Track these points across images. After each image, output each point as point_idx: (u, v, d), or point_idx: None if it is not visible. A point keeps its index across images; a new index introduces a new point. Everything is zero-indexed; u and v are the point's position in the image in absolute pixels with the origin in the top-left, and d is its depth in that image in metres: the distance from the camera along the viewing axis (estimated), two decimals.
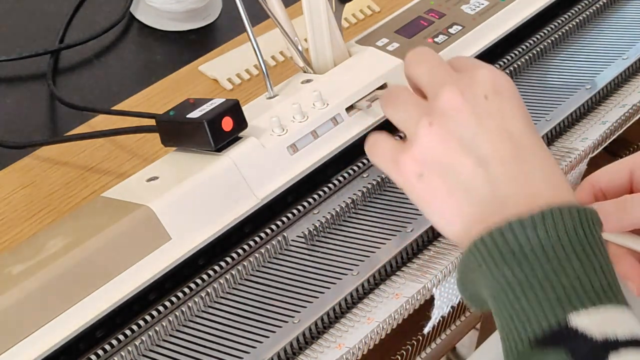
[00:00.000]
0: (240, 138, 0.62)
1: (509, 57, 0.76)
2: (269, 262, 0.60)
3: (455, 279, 0.52)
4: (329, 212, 0.62)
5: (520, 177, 0.51)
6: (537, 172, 0.51)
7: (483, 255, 0.49)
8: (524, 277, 0.47)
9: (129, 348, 0.55)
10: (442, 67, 0.56)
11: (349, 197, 0.64)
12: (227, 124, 0.61)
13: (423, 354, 0.65)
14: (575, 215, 0.48)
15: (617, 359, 0.45)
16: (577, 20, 0.79)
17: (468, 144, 0.52)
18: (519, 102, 0.54)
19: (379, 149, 0.57)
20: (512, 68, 0.75)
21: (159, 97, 0.81)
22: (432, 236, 0.61)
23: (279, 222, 0.62)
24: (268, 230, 0.62)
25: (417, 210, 0.62)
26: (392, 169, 0.55)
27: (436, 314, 0.58)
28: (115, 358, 0.55)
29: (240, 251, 0.60)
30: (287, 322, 0.55)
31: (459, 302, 0.60)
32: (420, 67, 0.57)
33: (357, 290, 0.57)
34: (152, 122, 0.66)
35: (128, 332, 0.55)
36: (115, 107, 0.79)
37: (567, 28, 0.79)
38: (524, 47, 0.77)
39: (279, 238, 0.61)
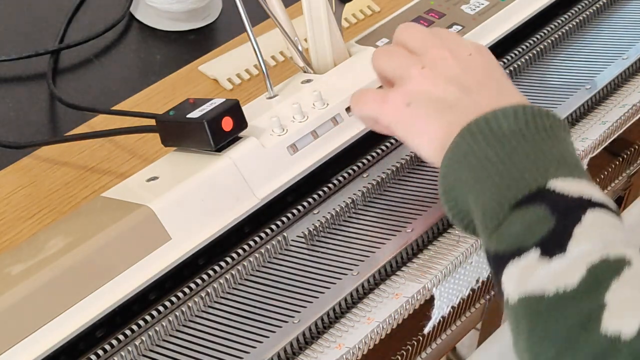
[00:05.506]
0: (240, 138, 0.62)
1: (509, 57, 0.76)
2: (269, 262, 0.60)
3: (439, 190, 0.55)
4: (329, 212, 0.62)
5: (500, 97, 0.56)
6: (516, 96, 0.57)
7: (468, 142, 0.53)
8: (507, 156, 0.51)
9: (129, 348, 0.55)
10: (431, 35, 0.62)
11: (349, 197, 0.64)
12: (227, 124, 0.61)
13: (423, 354, 0.65)
14: (551, 115, 0.53)
15: (593, 214, 0.48)
16: (577, 20, 0.79)
17: (454, 80, 0.58)
18: (497, 62, 0.60)
19: (366, 97, 0.61)
20: (512, 68, 0.75)
21: (159, 97, 0.81)
22: (432, 236, 0.61)
23: (279, 222, 0.62)
24: (268, 230, 0.62)
25: (417, 210, 0.62)
26: (380, 107, 0.59)
27: (436, 314, 0.58)
28: (115, 358, 0.55)
29: (240, 251, 0.60)
30: (287, 322, 0.55)
31: (459, 302, 0.60)
32: (412, 32, 0.62)
33: (357, 290, 0.57)
34: (152, 122, 0.66)
35: (128, 332, 0.55)
36: (115, 107, 0.79)
37: (567, 28, 0.79)
38: (524, 47, 0.77)
39: (279, 238, 0.61)
